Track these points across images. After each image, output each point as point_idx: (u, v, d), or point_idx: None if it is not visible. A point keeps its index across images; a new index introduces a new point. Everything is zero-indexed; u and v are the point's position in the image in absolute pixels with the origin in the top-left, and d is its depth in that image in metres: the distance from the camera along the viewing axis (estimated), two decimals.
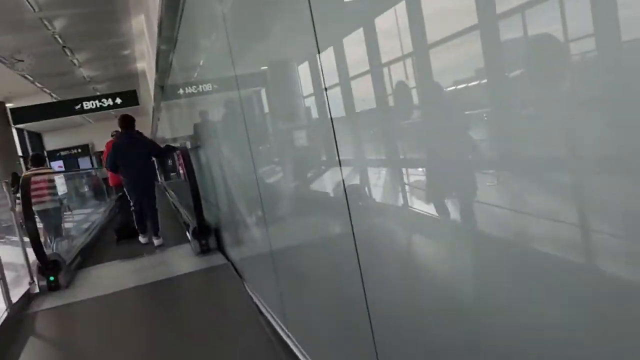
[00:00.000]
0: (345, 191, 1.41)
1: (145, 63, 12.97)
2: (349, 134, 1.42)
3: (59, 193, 6.93)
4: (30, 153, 21.45)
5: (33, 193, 5.79)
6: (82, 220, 8.70)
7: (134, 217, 5.95)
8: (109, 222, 9.06)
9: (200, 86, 4.75)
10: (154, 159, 5.90)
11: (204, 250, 4.78)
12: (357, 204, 1.39)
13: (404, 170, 1.25)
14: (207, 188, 4.96)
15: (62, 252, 5.43)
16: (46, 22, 8.05)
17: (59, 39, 9.12)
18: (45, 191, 6.45)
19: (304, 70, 1.71)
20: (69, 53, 10.23)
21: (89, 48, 10.37)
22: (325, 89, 1.40)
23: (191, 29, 4.24)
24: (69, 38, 9.24)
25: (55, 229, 6.58)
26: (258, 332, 2.79)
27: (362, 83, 1.27)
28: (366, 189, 1.40)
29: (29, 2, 7.04)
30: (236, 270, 3.98)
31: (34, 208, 5.78)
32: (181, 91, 6.56)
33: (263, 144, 2.50)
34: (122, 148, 5.57)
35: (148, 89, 15.18)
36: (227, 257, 4.45)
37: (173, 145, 7.37)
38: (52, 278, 4.38)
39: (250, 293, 3.36)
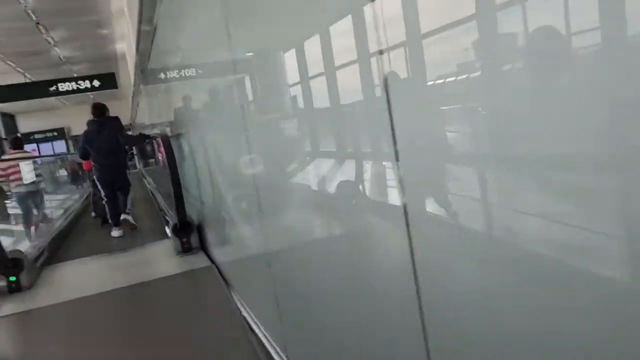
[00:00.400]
0: (402, 187, 1.00)
1: (125, 44, 12.34)
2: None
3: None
4: (2, 135, 20.68)
5: (12, 176, 6.23)
6: (55, 206, 8.31)
7: (106, 208, 5.84)
8: (83, 209, 8.60)
9: (184, 70, 4.30)
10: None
11: (185, 250, 4.34)
12: (416, 203, 0.99)
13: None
14: (189, 179, 4.52)
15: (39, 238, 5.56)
16: None
17: (32, 15, 8.48)
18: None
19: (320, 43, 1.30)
20: (43, 30, 9.57)
21: (65, 26, 9.71)
22: (380, 52, 0.98)
23: (178, 7, 3.78)
24: (43, 14, 8.60)
25: (31, 214, 6.59)
26: (247, 355, 2.39)
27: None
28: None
29: None
30: (221, 274, 3.57)
31: (13, 190, 6.35)
32: (163, 75, 6.07)
33: (265, 129, 2.08)
34: (92, 135, 5.63)
35: (127, 72, 14.54)
36: (211, 259, 4.03)
37: (148, 133, 7.04)
38: (12, 278, 3.91)
39: (239, 304, 2.95)
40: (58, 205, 8.49)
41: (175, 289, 3.49)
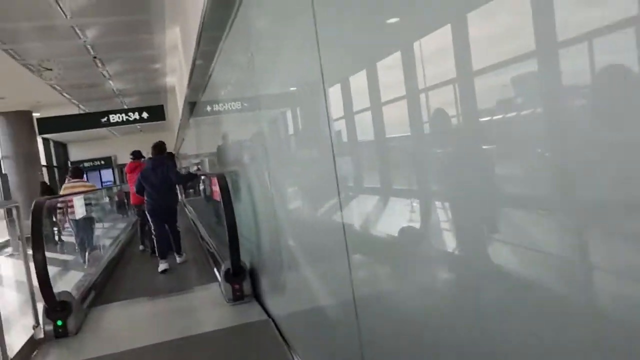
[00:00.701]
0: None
1: (175, 78, 12.58)
2: None
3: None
4: (55, 163, 21.42)
5: (71, 204, 6.69)
6: (104, 235, 8.51)
7: (155, 242, 6.11)
8: (130, 239, 8.71)
9: (243, 103, 4.14)
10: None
11: (237, 297, 4.07)
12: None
13: None
14: (243, 220, 4.28)
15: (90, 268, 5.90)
16: (78, 31, 7.62)
17: (90, 49, 8.70)
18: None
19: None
20: (99, 64, 9.82)
21: (120, 60, 9.94)
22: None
23: (237, 42, 3.64)
24: (100, 48, 8.82)
25: (88, 240, 6.96)
26: None
27: None
28: None
29: (61, 8, 6.59)
30: (279, 329, 3.26)
31: (70, 217, 6.74)
32: (216, 108, 5.98)
33: (357, 160, 1.79)
34: (148, 172, 5.97)
35: (175, 105, 14.82)
36: (265, 310, 3.73)
37: (197, 172, 7.60)
38: (59, 322, 3.72)
39: None
40: (106, 234, 8.66)
41: (227, 346, 3.19)
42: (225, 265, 4.24)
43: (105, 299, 4.75)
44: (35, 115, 13.50)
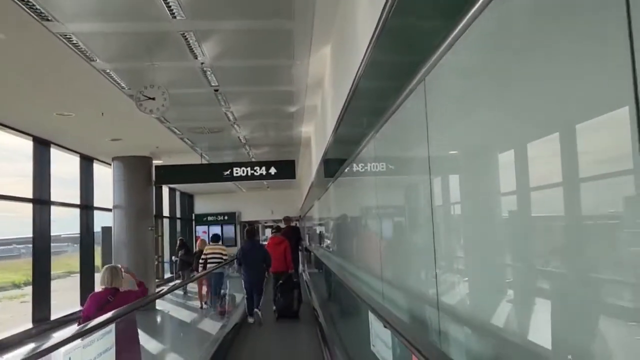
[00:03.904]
0: None
1: (312, 128, 10.23)
2: None
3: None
4: (179, 214, 20.47)
5: (210, 260, 9.50)
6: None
7: (245, 302, 8.64)
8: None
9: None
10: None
11: None
12: None
13: None
14: None
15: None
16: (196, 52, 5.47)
17: (208, 76, 6.55)
18: (217, 261, 9.52)
19: None
20: (222, 101, 7.72)
21: (247, 97, 7.74)
22: None
23: None
24: (223, 78, 6.67)
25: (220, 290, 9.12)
26: None
27: None
28: None
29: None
30: None
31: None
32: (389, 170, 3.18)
33: None
34: (245, 251, 8.75)
35: (309, 162, 12.55)
36: None
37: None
38: None
39: None
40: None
41: None
42: None
43: None
44: (156, 163, 11.99)
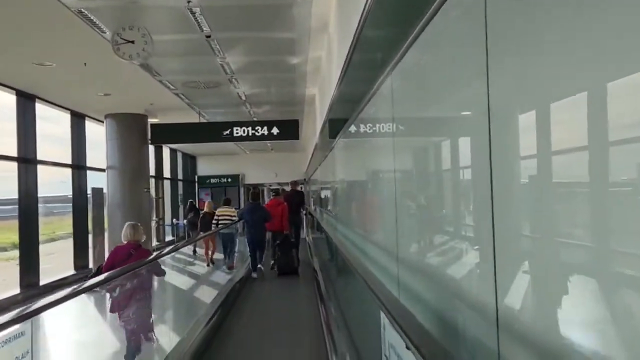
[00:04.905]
0: None
1: (316, 88, 9.45)
2: None
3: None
4: (181, 176, 19.90)
5: (221, 222, 9.98)
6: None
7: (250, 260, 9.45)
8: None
9: None
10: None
11: None
12: None
13: None
14: None
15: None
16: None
17: (199, 21, 5.78)
18: (228, 222, 10.01)
19: None
20: (217, 50, 6.97)
21: (245, 44, 6.97)
22: None
23: None
24: (216, 25, 5.90)
25: (230, 248, 9.87)
26: None
27: None
28: None
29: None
30: None
31: (222, 231, 9.65)
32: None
33: None
34: (248, 211, 9.59)
35: (313, 122, 11.81)
36: None
37: None
38: None
39: None
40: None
41: None
42: None
43: None
44: (152, 121, 11.30)
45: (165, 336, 4.77)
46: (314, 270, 9.01)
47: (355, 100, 4.49)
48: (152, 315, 4.77)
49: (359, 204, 5.24)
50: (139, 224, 4.85)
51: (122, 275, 3.84)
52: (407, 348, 1.29)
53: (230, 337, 5.48)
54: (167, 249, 5.64)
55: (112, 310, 4.24)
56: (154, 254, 4.89)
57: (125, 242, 4.61)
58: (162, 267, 5.04)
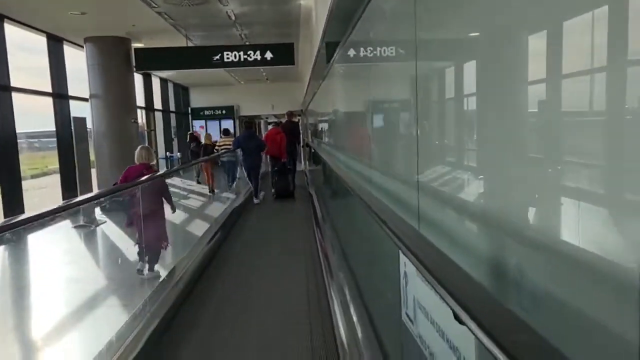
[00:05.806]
0: None
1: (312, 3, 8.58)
2: None
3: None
4: (173, 108, 19.13)
5: (222, 149, 10.84)
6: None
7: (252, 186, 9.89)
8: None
9: None
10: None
11: None
12: None
13: None
14: None
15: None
16: None
17: None
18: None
19: None
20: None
21: None
22: None
23: None
24: None
25: (232, 175, 10.64)
26: None
27: None
28: None
29: None
30: None
31: (222, 159, 10.68)
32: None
33: None
34: (243, 139, 9.95)
35: (310, 45, 10.99)
36: None
37: None
38: None
39: None
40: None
41: None
42: None
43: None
44: (135, 46, 10.49)
45: (172, 251, 5.32)
46: (310, 194, 9.79)
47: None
48: (166, 225, 5.31)
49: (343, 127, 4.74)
50: (151, 147, 5.49)
51: (142, 184, 4.52)
52: (456, 318, 0.82)
53: (230, 251, 6.18)
54: (175, 167, 6.96)
55: (132, 213, 4.90)
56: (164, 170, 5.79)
57: (138, 163, 5.01)
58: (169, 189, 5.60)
